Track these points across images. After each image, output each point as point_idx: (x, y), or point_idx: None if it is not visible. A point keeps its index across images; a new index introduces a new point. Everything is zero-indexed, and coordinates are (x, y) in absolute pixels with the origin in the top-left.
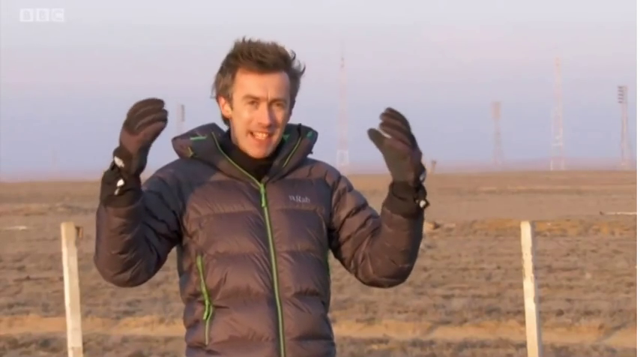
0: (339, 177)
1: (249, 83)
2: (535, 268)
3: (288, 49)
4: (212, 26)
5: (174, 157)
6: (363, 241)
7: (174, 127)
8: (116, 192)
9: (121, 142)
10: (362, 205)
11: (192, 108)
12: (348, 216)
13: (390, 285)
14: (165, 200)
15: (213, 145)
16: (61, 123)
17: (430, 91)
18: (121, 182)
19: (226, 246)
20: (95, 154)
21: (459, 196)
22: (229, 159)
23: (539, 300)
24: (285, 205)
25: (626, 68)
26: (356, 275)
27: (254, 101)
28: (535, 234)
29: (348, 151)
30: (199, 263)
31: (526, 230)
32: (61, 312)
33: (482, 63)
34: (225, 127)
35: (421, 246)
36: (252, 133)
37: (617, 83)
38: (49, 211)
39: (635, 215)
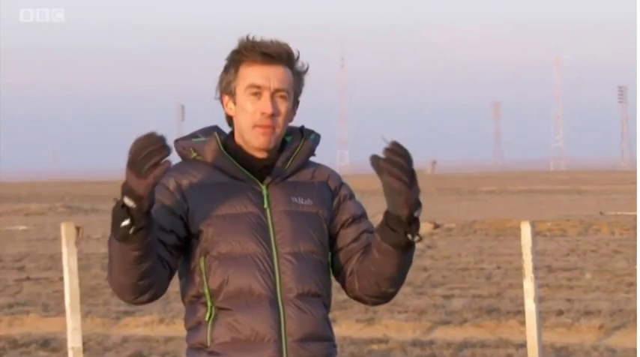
0: (342, 183)
1: (252, 74)
2: (535, 268)
3: (292, 47)
4: (212, 26)
5: (175, 157)
6: (354, 255)
7: (175, 127)
8: (130, 231)
9: (128, 184)
10: (359, 216)
11: (193, 108)
12: (343, 226)
13: (374, 304)
14: (170, 208)
15: (216, 147)
16: (61, 123)
17: (430, 91)
18: (132, 222)
19: (229, 247)
20: (95, 154)
21: (459, 196)
22: (232, 160)
23: (539, 300)
24: (287, 206)
25: (626, 68)
26: (342, 287)
27: (257, 92)
28: (535, 234)
29: (348, 151)
30: (202, 265)
31: (526, 230)
32: (61, 312)
33: (482, 63)
34: (227, 130)
35: (421, 246)
36: (258, 126)
37: (617, 83)
38: (49, 211)
39: (635, 215)
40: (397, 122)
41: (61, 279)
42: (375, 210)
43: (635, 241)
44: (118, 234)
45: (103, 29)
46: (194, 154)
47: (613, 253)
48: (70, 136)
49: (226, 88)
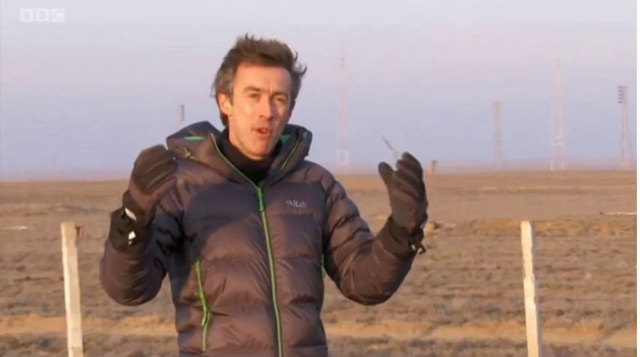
0: (334, 182)
1: (251, 75)
2: (535, 268)
3: (291, 47)
4: (212, 26)
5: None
6: (349, 254)
7: (175, 127)
8: (129, 243)
9: (132, 197)
10: (352, 215)
11: (192, 108)
12: (336, 226)
13: (369, 304)
14: (165, 208)
15: (212, 147)
16: (61, 123)
17: (430, 91)
18: (133, 235)
19: (225, 251)
20: (95, 154)
21: (459, 196)
22: (228, 162)
23: (539, 300)
24: (282, 210)
25: (626, 68)
26: (337, 286)
27: (255, 94)
28: (535, 234)
29: (348, 151)
30: (197, 269)
31: (526, 230)
32: (61, 312)
33: (482, 63)
34: (221, 127)
35: None
36: (256, 129)
37: (617, 83)
38: (49, 211)
39: (635, 215)
40: (397, 122)
41: (61, 279)
42: (375, 210)
43: (635, 241)
44: (116, 243)
45: (103, 29)
46: (187, 154)
47: (613, 253)
48: (70, 136)
49: (223, 87)
